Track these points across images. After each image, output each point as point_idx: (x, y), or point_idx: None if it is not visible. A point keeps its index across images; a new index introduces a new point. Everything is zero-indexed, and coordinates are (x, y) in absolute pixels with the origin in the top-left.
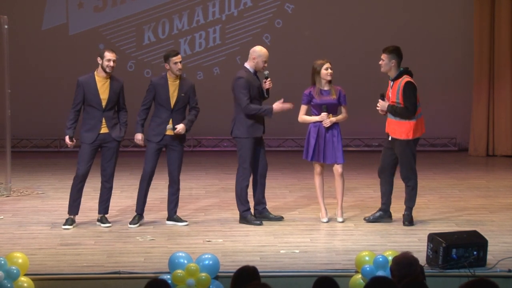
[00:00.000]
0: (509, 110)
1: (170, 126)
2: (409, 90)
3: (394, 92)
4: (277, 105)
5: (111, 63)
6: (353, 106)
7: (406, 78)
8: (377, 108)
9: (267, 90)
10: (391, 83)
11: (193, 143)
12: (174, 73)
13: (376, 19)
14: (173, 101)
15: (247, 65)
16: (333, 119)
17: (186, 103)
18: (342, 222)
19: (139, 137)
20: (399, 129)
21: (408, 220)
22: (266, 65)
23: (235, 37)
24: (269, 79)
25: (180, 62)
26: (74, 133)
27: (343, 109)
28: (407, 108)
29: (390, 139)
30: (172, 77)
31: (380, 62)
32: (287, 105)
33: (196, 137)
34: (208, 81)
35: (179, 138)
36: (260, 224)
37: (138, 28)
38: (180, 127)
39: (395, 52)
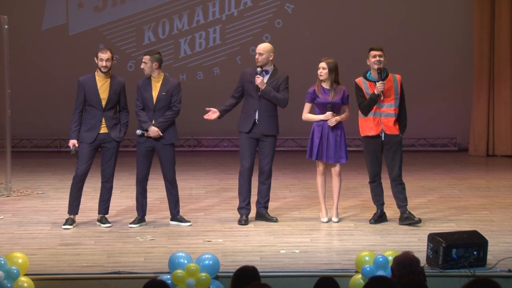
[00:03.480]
0: (509, 110)
1: (139, 131)
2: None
3: (391, 90)
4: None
5: (104, 63)
6: (354, 105)
7: (397, 75)
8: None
9: (257, 86)
10: (382, 82)
11: (193, 143)
12: (159, 73)
13: (376, 19)
14: (154, 101)
15: None
16: (338, 118)
17: (168, 103)
18: (338, 222)
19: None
20: (396, 126)
21: (415, 217)
22: (258, 57)
23: (235, 37)
24: (257, 75)
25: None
26: (79, 136)
27: (346, 109)
28: (405, 106)
29: (384, 138)
30: (156, 77)
31: (378, 59)
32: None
33: (196, 137)
34: (208, 81)
35: (164, 139)
36: (244, 224)
37: (138, 28)
38: (151, 130)
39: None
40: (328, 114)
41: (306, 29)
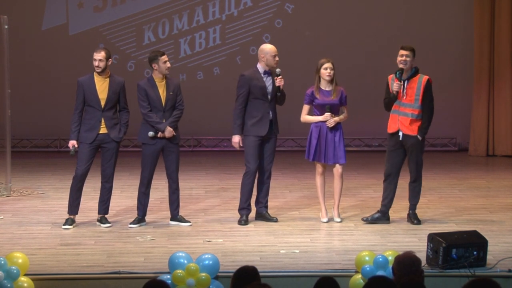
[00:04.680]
0: (509, 110)
1: (151, 133)
2: (431, 89)
3: (413, 90)
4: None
5: (96, 63)
6: (353, 106)
7: (425, 76)
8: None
9: (278, 87)
10: (404, 81)
11: (193, 143)
12: (164, 72)
13: (376, 19)
14: (163, 101)
15: (258, 65)
16: (336, 119)
17: (174, 102)
18: (340, 222)
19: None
20: (414, 126)
21: (417, 219)
22: (277, 59)
23: (235, 37)
24: (280, 76)
25: (168, 60)
26: (79, 136)
27: (344, 110)
28: (431, 108)
29: (401, 138)
30: (159, 77)
31: (404, 58)
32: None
33: (196, 137)
34: (208, 81)
35: (173, 138)
36: (244, 224)
37: (138, 28)
38: (167, 131)
39: (414, 51)
40: (327, 115)
41: (306, 29)
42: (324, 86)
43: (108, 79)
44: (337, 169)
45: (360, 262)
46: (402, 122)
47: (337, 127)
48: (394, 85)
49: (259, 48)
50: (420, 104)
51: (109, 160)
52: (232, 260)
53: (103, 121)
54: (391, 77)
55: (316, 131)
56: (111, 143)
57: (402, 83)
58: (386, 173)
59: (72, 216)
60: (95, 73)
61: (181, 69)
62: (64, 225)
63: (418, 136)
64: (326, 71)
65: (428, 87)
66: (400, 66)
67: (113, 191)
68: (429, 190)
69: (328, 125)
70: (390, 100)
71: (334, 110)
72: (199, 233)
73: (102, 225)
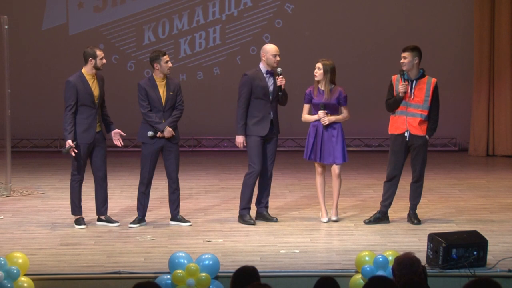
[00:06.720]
0: (509, 110)
1: (151, 133)
2: (438, 91)
3: (422, 91)
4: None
5: (104, 60)
6: (353, 106)
7: (433, 78)
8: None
9: (280, 87)
10: (411, 82)
11: (193, 143)
12: (165, 72)
13: (376, 19)
14: (163, 101)
15: (260, 64)
16: (332, 118)
17: (174, 102)
18: (336, 221)
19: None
20: (423, 127)
21: (417, 219)
22: (278, 58)
23: (235, 37)
24: (281, 76)
25: (169, 60)
26: (76, 137)
27: (344, 110)
28: (438, 109)
29: (408, 138)
30: (160, 77)
31: (402, 61)
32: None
33: (196, 137)
34: (208, 81)
35: (173, 138)
36: (253, 223)
37: (138, 28)
38: (166, 131)
39: (418, 50)
40: (320, 113)
41: (306, 29)
42: (320, 85)
43: (95, 77)
44: (334, 169)
45: (360, 262)
46: (410, 122)
47: (334, 126)
48: (400, 87)
49: (262, 48)
50: (429, 105)
51: (104, 159)
52: (232, 260)
53: (98, 119)
54: (395, 77)
55: (313, 130)
56: (104, 141)
57: (409, 83)
58: (391, 174)
59: (82, 216)
60: (83, 72)
61: (181, 69)
62: (80, 225)
63: (427, 136)
64: (314, 70)
65: (436, 89)
66: (402, 68)
67: (113, 191)
68: (429, 190)
69: (322, 123)
70: (396, 101)
71: (329, 109)
72: (199, 233)
73: (109, 224)
